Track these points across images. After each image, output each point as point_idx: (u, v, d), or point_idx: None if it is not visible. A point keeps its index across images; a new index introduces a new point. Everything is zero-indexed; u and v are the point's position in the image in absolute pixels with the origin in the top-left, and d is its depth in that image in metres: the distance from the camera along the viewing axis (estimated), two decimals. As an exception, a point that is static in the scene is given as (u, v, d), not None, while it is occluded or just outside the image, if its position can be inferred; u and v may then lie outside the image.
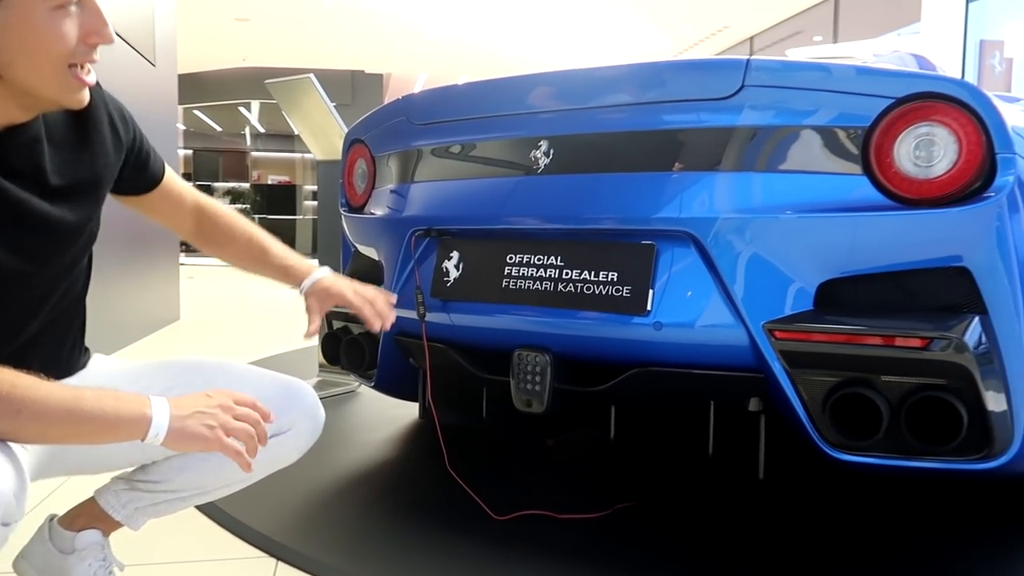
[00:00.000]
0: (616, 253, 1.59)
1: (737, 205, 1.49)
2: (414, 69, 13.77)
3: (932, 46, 7.28)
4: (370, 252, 2.13)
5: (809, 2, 9.56)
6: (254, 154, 16.35)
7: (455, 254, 1.80)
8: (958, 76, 7.08)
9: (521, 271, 1.70)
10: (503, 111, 1.78)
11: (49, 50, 0.93)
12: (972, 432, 1.39)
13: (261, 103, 14.61)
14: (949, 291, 1.45)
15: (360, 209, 2.15)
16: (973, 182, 1.42)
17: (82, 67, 0.97)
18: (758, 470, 1.69)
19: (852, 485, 2.00)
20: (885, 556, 1.62)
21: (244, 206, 15.92)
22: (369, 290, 1.38)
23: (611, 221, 1.59)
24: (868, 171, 1.45)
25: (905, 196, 1.44)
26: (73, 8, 0.94)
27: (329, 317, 2.22)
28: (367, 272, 2.18)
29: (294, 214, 16.04)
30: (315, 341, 3.96)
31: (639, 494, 1.92)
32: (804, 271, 1.47)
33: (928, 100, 1.43)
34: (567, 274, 1.64)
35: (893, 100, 1.44)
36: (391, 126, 2.02)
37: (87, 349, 1.26)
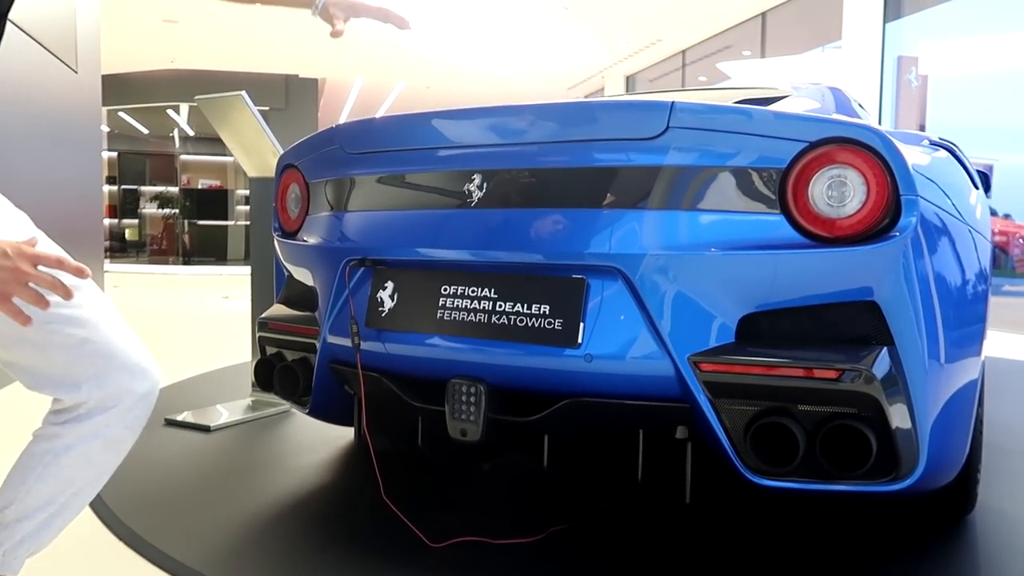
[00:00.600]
0: (548, 286, 1.63)
1: (663, 242, 1.54)
2: (350, 74, 13.64)
3: (852, 63, 7.59)
4: (305, 277, 2.12)
5: (738, 19, 9.85)
6: (183, 157, 15.94)
7: (390, 284, 1.82)
8: (875, 103, 7.33)
9: (456, 302, 1.72)
10: (436, 144, 1.80)
11: None
12: (881, 457, 1.48)
13: (190, 106, 14.24)
14: (860, 324, 1.53)
15: (294, 234, 2.15)
16: (880, 221, 1.51)
17: None
18: (685, 494, 1.75)
19: (775, 507, 2.09)
20: (805, 573, 1.70)
21: (173, 211, 15.52)
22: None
23: (543, 256, 1.63)
24: (785, 210, 1.53)
25: (819, 234, 1.52)
26: None
27: (262, 343, 2.20)
28: (302, 298, 2.18)
29: (226, 219, 15.70)
30: (247, 357, 3.91)
31: (572, 517, 1.97)
32: (726, 306, 1.54)
33: (840, 144, 1.52)
34: (501, 306, 1.67)
35: (807, 144, 1.52)
36: (325, 154, 2.02)
37: None
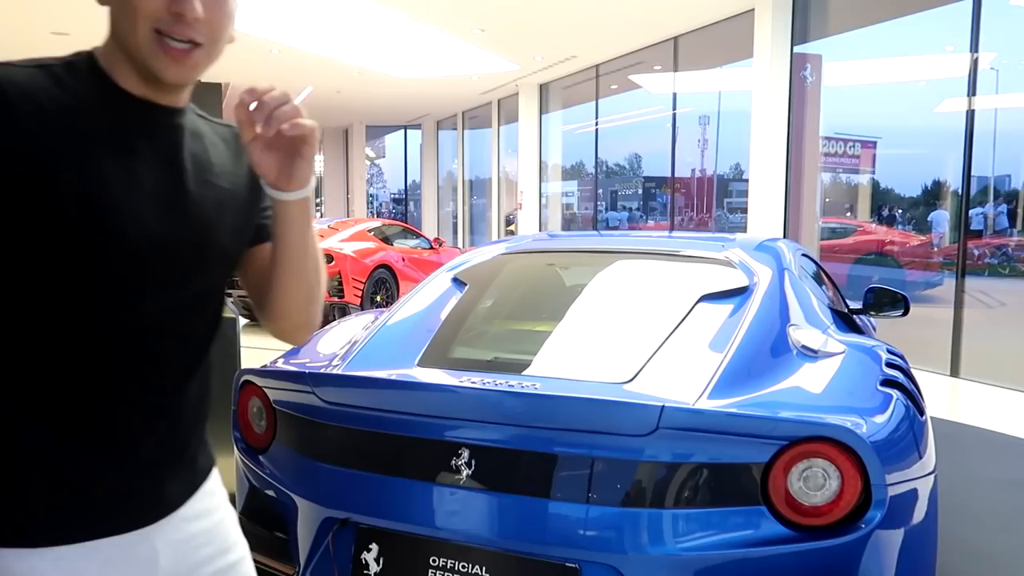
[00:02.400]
0: (543, 571, 1.66)
1: (655, 540, 1.60)
2: (255, 80, 13.04)
3: (762, 79, 7.91)
4: (273, 504, 2.07)
5: (651, 40, 10.00)
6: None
7: (375, 547, 1.81)
8: (784, 113, 7.72)
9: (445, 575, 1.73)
10: (425, 412, 1.79)
11: (133, 5, 0.91)
12: None
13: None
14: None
15: (261, 452, 2.09)
16: (853, 512, 1.61)
17: (172, 37, 0.92)
18: None
19: None
20: None
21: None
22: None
23: (538, 544, 1.66)
24: (767, 502, 1.61)
25: (797, 524, 1.61)
26: None
27: None
28: (269, 517, 2.12)
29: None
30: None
31: None
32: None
33: (817, 442, 1.61)
34: (492, 585, 1.69)
35: (786, 441, 1.61)
36: (298, 396, 1.97)
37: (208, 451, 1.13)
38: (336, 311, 8.10)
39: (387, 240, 9.67)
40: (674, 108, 10.41)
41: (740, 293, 2.29)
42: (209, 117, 1.11)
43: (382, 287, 8.96)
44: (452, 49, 10.44)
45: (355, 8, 8.58)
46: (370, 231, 9.56)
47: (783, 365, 1.96)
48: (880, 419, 1.76)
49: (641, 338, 2.06)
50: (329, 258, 7.91)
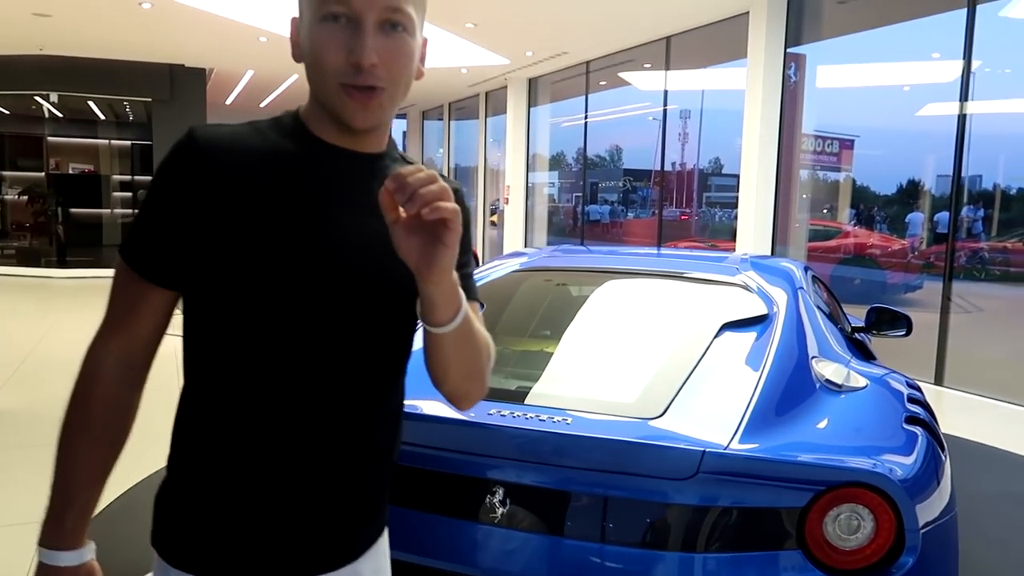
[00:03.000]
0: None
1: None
2: (239, 66, 12.92)
3: (756, 79, 7.96)
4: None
5: (643, 40, 9.99)
6: (51, 139, 14.68)
7: (405, 582, 1.80)
8: (777, 112, 7.78)
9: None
10: (460, 448, 1.79)
11: (318, 63, 0.96)
12: None
13: (60, 94, 13.11)
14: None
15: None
16: (887, 555, 1.63)
17: (355, 86, 0.95)
18: None
19: None
20: None
21: (41, 198, 14.31)
22: None
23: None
24: (803, 546, 1.63)
25: (833, 568, 1.63)
26: (343, 22, 0.94)
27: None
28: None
29: (100, 207, 14.65)
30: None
31: None
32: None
33: (853, 487, 1.62)
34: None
35: (824, 486, 1.62)
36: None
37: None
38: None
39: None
40: (665, 105, 10.43)
41: (760, 322, 2.31)
42: (409, 159, 1.11)
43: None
44: (443, 42, 10.36)
45: None
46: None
47: (811, 402, 1.98)
48: (909, 461, 1.78)
49: (666, 368, 2.07)
50: None
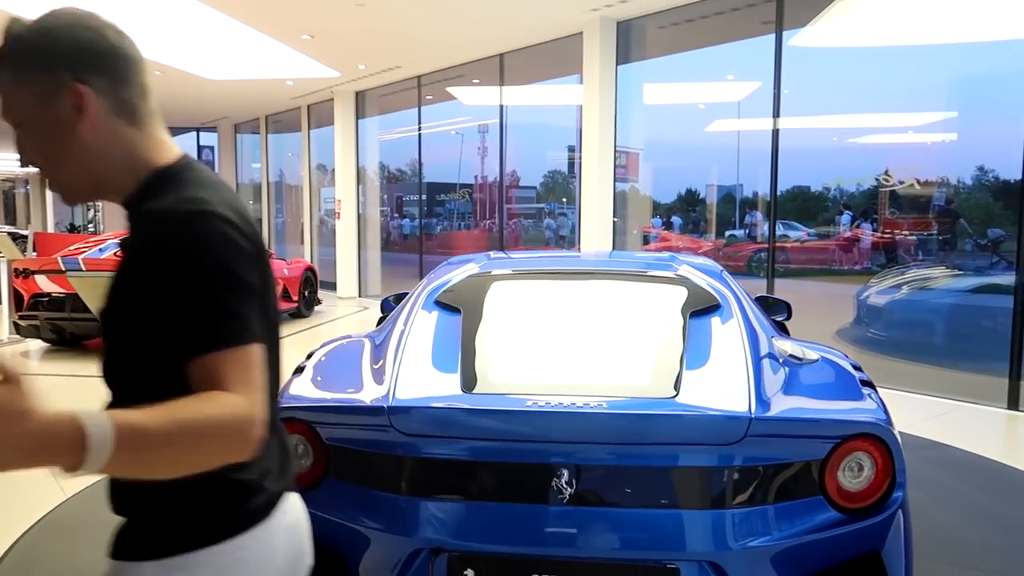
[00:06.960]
0: (644, 575, 1.83)
1: (747, 535, 1.83)
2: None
3: (591, 93, 8.53)
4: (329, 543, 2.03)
5: (477, 56, 10.30)
6: None
7: (470, 572, 1.86)
8: (612, 124, 8.38)
9: (548, 592, 1.84)
10: (519, 436, 1.88)
11: None
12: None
13: None
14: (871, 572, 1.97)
15: (308, 489, 2.04)
16: (884, 494, 1.95)
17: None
18: None
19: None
20: None
21: None
22: None
23: (641, 551, 1.82)
24: (824, 492, 1.91)
25: (847, 508, 1.92)
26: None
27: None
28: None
29: None
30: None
31: None
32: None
33: (860, 438, 1.92)
34: (595, 593, 1.83)
35: (840, 439, 1.91)
36: (368, 429, 1.96)
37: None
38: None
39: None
40: (502, 119, 10.79)
41: (716, 309, 2.59)
42: (158, 208, 1.06)
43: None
44: (270, 52, 10.04)
45: (170, 5, 8.02)
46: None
47: (788, 374, 2.27)
48: (883, 416, 2.13)
49: (660, 353, 2.28)
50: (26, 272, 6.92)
